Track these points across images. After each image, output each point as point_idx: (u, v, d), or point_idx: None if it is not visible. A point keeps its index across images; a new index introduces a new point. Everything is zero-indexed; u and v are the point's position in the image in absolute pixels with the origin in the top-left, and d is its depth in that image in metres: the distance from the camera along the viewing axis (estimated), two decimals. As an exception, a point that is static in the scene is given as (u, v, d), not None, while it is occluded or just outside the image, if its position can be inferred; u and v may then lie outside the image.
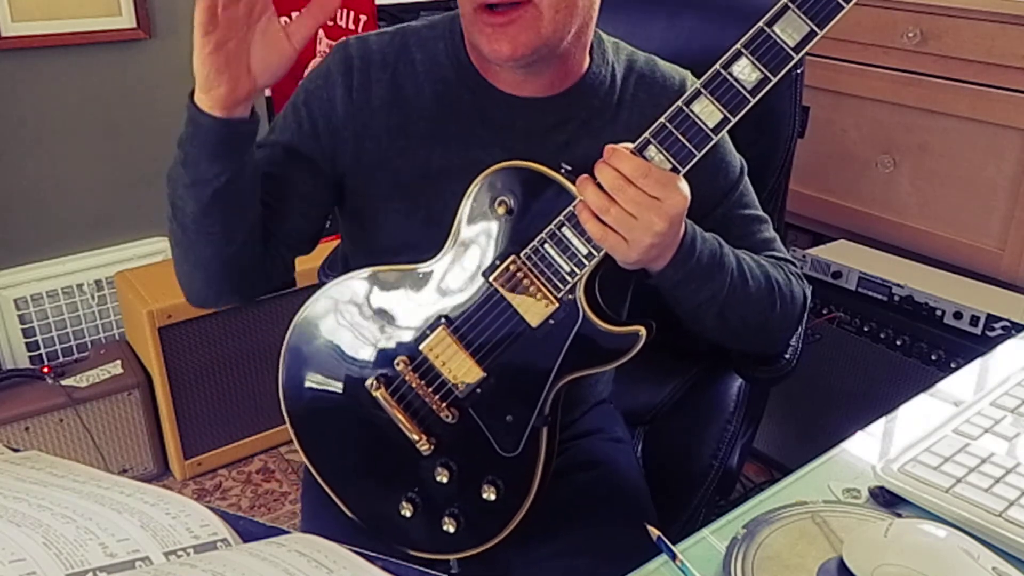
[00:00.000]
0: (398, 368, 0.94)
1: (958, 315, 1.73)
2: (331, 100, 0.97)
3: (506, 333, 0.90)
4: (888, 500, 0.78)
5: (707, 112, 0.82)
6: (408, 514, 0.95)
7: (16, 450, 0.61)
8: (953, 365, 1.71)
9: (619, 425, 1.18)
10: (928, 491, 0.77)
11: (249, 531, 0.54)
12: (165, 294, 1.98)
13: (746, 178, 1.04)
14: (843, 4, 0.76)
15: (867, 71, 2.03)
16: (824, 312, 1.92)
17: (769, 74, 0.79)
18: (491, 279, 0.90)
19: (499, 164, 0.90)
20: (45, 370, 2.00)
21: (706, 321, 0.95)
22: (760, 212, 1.05)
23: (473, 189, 0.91)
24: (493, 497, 0.92)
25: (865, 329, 1.86)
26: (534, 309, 0.89)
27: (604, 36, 1.01)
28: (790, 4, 0.78)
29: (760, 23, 0.79)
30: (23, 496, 0.52)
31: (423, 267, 0.94)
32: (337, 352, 0.97)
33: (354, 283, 0.97)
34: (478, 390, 0.91)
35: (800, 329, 1.16)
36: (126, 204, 2.22)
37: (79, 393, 1.98)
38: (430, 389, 0.93)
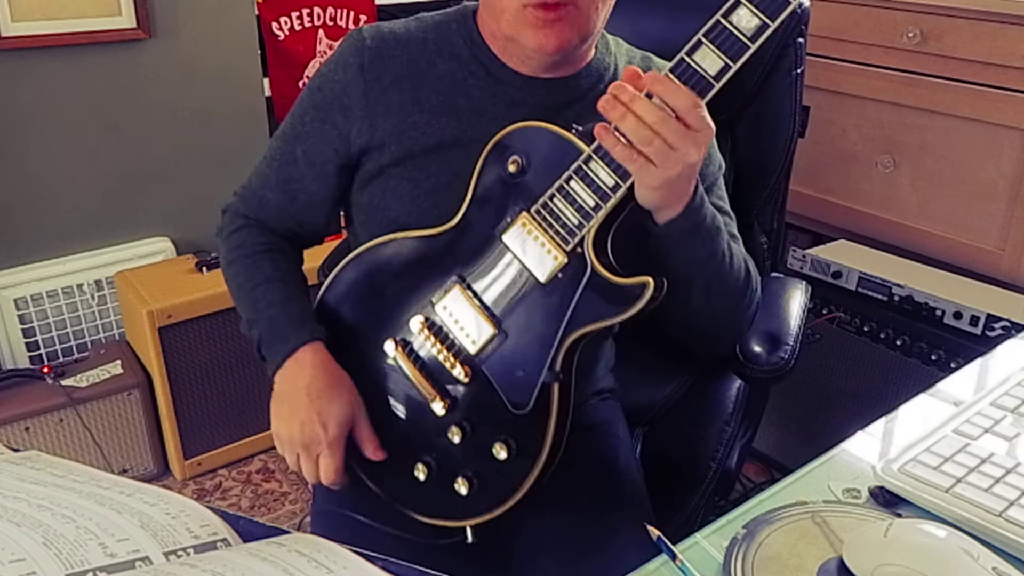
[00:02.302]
0: (414, 329, 0.96)
1: (958, 315, 1.73)
2: (344, 82, 1.00)
3: (517, 289, 0.92)
4: (888, 500, 0.79)
5: (708, 60, 0.83)
6: (422, 477, 0.96)
7: (16, 450, 0.61)
8: (953, 365, 1.71)
9: (621, 423, 1.18)
10: (928, 491, 0.77)
11: (249, 531, 0.54)
12: (165, 294, 1.96)
13: (722, 177, 1.08)
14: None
15: (867, 71, 2.03)
16: (824, 312, 1.92)
17: (767, 19, 0.81)
18: (502, 236, 0.92)
19: (512, 125, 0.93)
20: (45, 370, 2.00)
21: (692, 290, 0.95)
22: (730, 210, 1.08)
23: (487, 151, 0.94)
24: (505, 455, 0.92)
25: (865, 329, 1.86)
26: (544, 264, 0.90)
27: (603, 31, 1.04)
28: None
29: None
30: (23, 496, 0.52)
31: (439, 230, 0.97)
32: (358, 315, 1.01)
33: (375, 250, 1.00)
34: (490, 346, 0.93)
35: (799, 330, 1.18)
36: (126, 204, 2.21)
37: (79, 393, 1.97)
38: (444, 347, 0.95)
